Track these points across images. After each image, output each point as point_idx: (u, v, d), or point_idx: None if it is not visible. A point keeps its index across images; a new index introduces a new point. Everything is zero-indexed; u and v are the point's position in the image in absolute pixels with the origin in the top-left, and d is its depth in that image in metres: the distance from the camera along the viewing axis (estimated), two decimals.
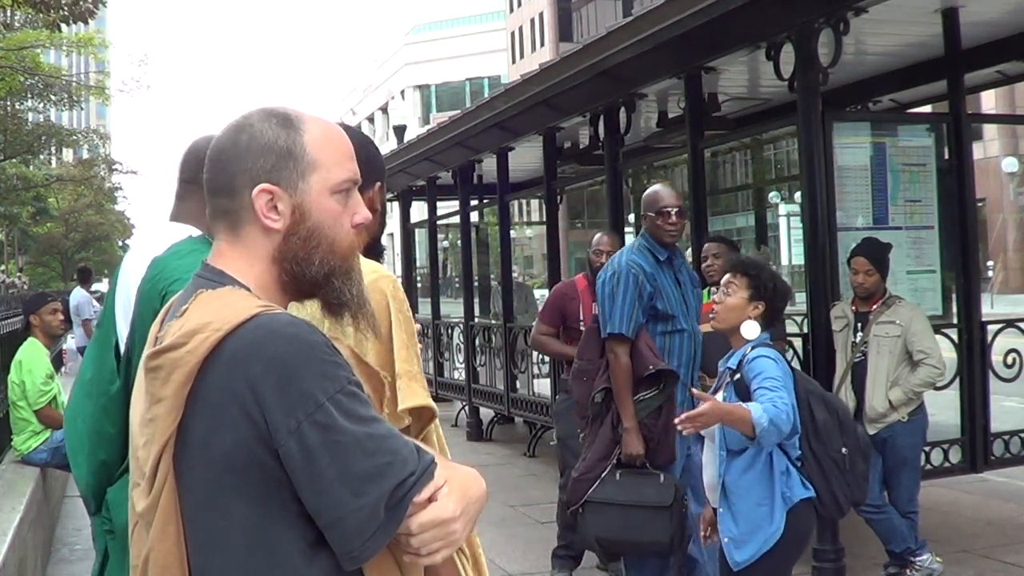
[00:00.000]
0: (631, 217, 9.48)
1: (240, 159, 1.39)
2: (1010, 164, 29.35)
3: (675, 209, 4.24)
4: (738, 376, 3.34)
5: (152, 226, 2.51)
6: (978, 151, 19.84)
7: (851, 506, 3.42)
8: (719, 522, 3.36)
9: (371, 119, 70.15)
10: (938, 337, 5.22)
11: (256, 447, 1.22)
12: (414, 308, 10.04)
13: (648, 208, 4.31)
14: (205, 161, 1.43)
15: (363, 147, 2.00)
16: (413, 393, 1.79)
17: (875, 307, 4.94)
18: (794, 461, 3.25)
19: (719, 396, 3.43)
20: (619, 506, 3.98)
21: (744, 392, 3.30)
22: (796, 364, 5.39)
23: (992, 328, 5.82)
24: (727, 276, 3.53)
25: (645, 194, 4.42)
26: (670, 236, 4.26)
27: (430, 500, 1.26)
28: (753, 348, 3.34)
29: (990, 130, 28.65)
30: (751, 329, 3.37)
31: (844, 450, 3.30)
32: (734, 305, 3.44)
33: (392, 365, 1.80)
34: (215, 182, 1.41)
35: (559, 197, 8.96)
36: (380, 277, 1.85)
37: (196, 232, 2.24)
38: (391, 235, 18.26)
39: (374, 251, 2.01)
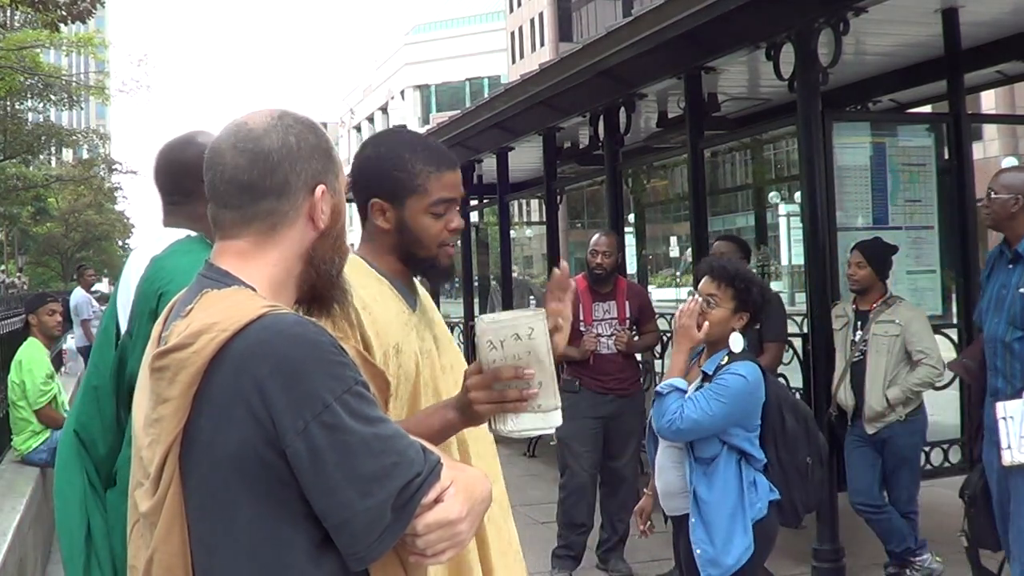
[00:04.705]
0: (631, 217, 9.48)
1: (293, 160, 1.38)
2: (1010, 164, 29.35)
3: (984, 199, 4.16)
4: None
5: (154, 227, 2.50)
6: (978, 151, 19.83)
7: (806, 512, 3.46)
8: (691, 533, 3.26)
9: (371, 119, 70.17)
10: (938, 337, 5.22)
11: (263, 448, 1.22)
12: None
13: None
14: (235, 163, 1.36)
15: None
16: None
17: (875, 306, 4.94)
18: (759, 468, 3.27)
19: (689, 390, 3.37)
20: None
21: None
22: (796, 364, 5.41)
23: None
24: (708, 284, 3.33)
25: None
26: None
27: (436, 501, 1.27)
28: (734, 360, 3.27)
29: (990, 130, 28.61)
30: (737, 341, 3.27)
31: (808, 459, 3.31)
32: (720, 319, 3.28)
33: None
34: (262, 183, 1.36)
35: (559, 197, 8.95)
36: None
37: (193, 233, 2.26)
38: None
39: None
